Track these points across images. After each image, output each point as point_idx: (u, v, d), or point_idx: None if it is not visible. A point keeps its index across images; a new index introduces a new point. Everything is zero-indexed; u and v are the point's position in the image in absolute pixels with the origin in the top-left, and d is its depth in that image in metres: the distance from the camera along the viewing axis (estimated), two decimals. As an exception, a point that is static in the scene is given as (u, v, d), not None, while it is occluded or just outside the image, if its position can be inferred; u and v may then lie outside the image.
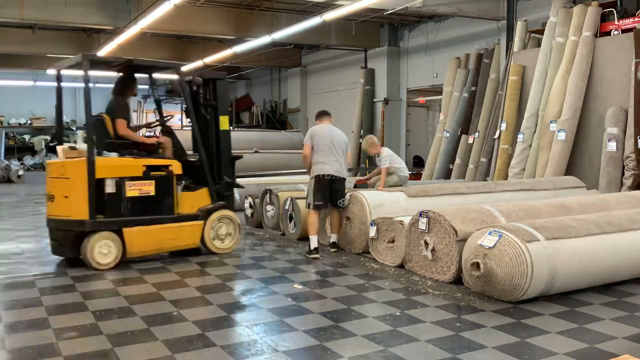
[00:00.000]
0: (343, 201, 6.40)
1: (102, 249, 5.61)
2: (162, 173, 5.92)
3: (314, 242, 6.20)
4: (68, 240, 5.69)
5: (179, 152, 6.47)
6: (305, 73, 18.72)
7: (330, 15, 10.52)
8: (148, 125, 7.30)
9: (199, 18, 12.47)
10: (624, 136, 8.12)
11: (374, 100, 15.00)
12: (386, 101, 14.59)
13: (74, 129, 22.38)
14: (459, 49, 12.44)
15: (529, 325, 4.00)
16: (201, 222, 6.15)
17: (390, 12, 10.98)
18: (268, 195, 7.89)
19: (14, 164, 17.63)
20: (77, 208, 5.54)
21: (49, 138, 22.07)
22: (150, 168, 5.88)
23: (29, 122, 21.96)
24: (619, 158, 8.12)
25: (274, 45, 15.06)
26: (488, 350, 3.55)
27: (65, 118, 22.48)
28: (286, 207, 7.39)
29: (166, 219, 5.93)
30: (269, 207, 7.86)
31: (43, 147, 21.58)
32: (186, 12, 11.92)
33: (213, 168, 6.43)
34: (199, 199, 6.23)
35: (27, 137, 21.80)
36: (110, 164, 5.78)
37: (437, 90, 13.24)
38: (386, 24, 14.45)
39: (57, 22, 11.76)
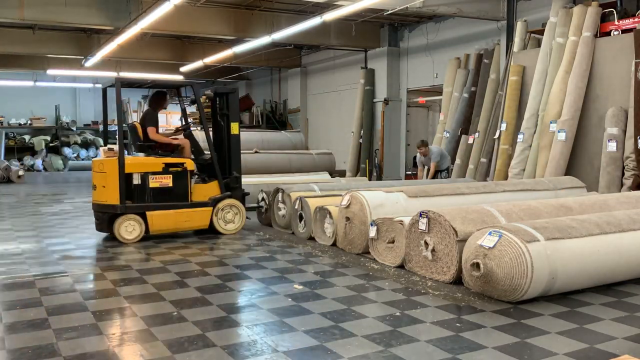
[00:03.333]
0: None
1: (128, 228, 7.05)
2: (179, 169, 7.30)
3: None
4: (105, 220, 7.13)
5: (197, 152, 7.85)
6: (305, 73, 18.72)
7: (330, 16, 10.51)
8: (176, 132, 8.29)
9: (199, 18, 12.47)
10: (624, 136, 8.12)
11: (374, 100, 15.00)
12: (386, 101, 14.59)
13: (74, 129, 22.38)
14: (459, 49, 12.44)
15: (529, 326, 4.00)
16: (210, 208, 7.50)
17: (390, 12, 10.98)
18: (280, 194, 7.91)
19: (14, 164, 17.64)
20: (111, 195, 7.02)
21: (49, 138, 22.06)
22: (169, 165, 7.25)
23: (29, 122, 21.95)
24: (619, 158, 8.12)
25: (273, 45, 15.05)
26: (488, 350, 3.55)
27: (65, 118, 22.50)
28: (296, 207, 7.43)
29: (181, 205, 7.33)
30: (280, 206, 7.87)
31: (43, 147, 21.56)
32: (186, 12, 11.91)
33: (225, 165, 7.74)
34: (210, 189, 7.59)
35: (27, 137, 21.79)
36: (137, 162, 7.22)
37: (437, 90, 13.24)
38: (386, 24, 14.44)
39: (57, 22, 11.75)
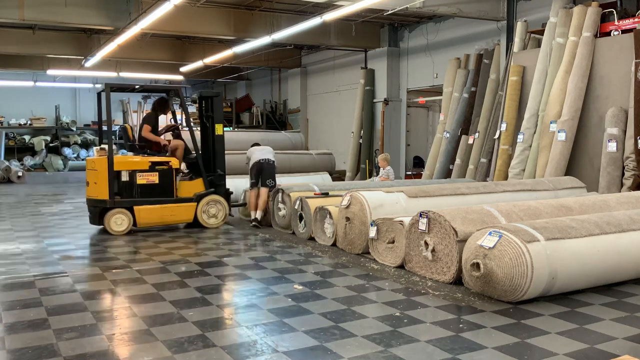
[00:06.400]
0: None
1: (117, 221, 7.66)
2: (164, 167, 7.89)
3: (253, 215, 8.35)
4: (97, 213, 7.74)
5: (186, 152, 8.40)
6: (305, 73, 18.72)
7: (330, 16, 10.51)
8: (167, 130, 8.85)
9: (199, 18, 12.47)
10: (624, 136, 8.11)
11: (374, 100, 15.00)
12: (386, 101, 14.59)
13: (74, 129, 22.37)
14: (459, 49, 12.44)
15: (529, 326, 4.00)
16: (194, 203, 8.08)
17: (390, 12, 10.98)
18: (280, 194, 7.91)
19: (14, 165, 17.63)
20: (102, 191, 7.63)
21: (49, 138, 22.04)
22: (155, 163, 7.85)
23: (29, 122, 21.93)
24: (619, 158, 8.12)
25: (274, 45, 15.05)
26: (488, 350, 3.55)
27: (65, 118, 22.48)
28: (296, 207, 7.43)
29: (166, 201, 7.92)
30: (280, 206, 7.88)
31: (43, 147, 21.54)
32: (186, 13, 11.91)
33: (210, 163, 8.34)
34: (195, 186, 8.17)
35: (27, 137, 21.77)
36: (125, 160, 7.81)
37: (437, 90, 13.24)
38: (386, 24, 14.44)
39: (57, 22, 11.75)
